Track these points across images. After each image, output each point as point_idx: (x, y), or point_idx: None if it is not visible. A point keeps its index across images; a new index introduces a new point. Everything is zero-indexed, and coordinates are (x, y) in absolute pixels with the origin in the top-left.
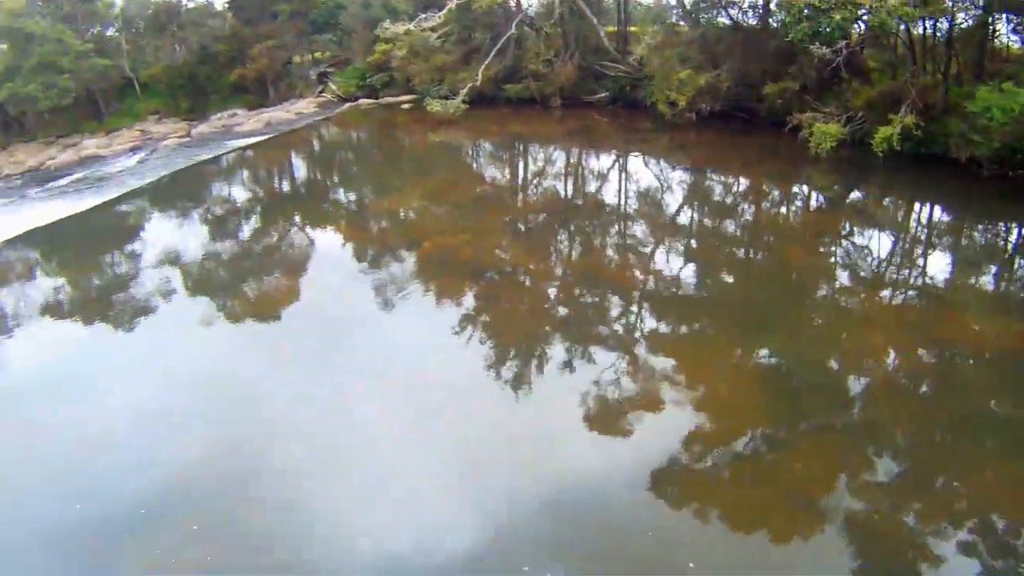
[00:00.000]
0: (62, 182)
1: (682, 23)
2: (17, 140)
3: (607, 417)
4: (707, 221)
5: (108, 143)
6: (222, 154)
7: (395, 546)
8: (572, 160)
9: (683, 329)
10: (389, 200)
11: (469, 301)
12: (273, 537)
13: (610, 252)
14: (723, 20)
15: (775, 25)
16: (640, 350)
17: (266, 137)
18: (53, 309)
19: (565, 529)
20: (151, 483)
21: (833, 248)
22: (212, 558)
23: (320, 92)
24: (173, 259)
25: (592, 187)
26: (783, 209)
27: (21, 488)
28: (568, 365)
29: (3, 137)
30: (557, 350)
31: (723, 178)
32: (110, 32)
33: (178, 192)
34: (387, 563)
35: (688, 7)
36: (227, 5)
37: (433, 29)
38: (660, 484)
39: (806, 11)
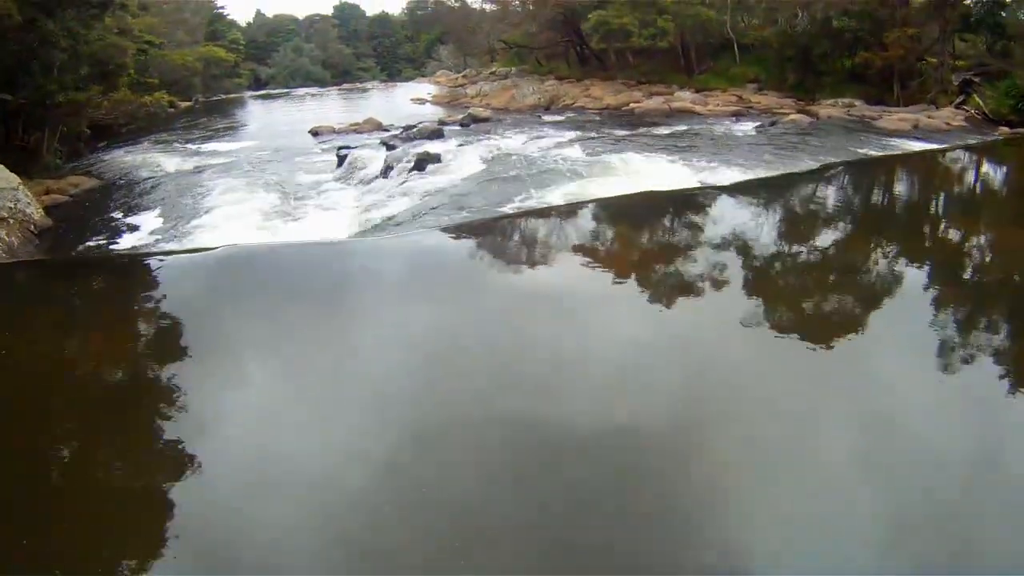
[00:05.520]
0: (661, 131)
1: None
2: (594, 76)
3: None
4: None
5: (703, 100)
6: (896, 155)
7: None
8: None
9: None
10: None
11: None
12: None
13: None
14: None
15: None
16: None
17: (935, 146)
18: None
19: None
20: None
21: None
22: None
23: (960, 103)
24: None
25: None
26: None
27: None
28: None
29: (578, 70)
30: None
31: None
32: None
33: (849, 183)
34: None
35: None
36: None
37: None
38: None
39: None
